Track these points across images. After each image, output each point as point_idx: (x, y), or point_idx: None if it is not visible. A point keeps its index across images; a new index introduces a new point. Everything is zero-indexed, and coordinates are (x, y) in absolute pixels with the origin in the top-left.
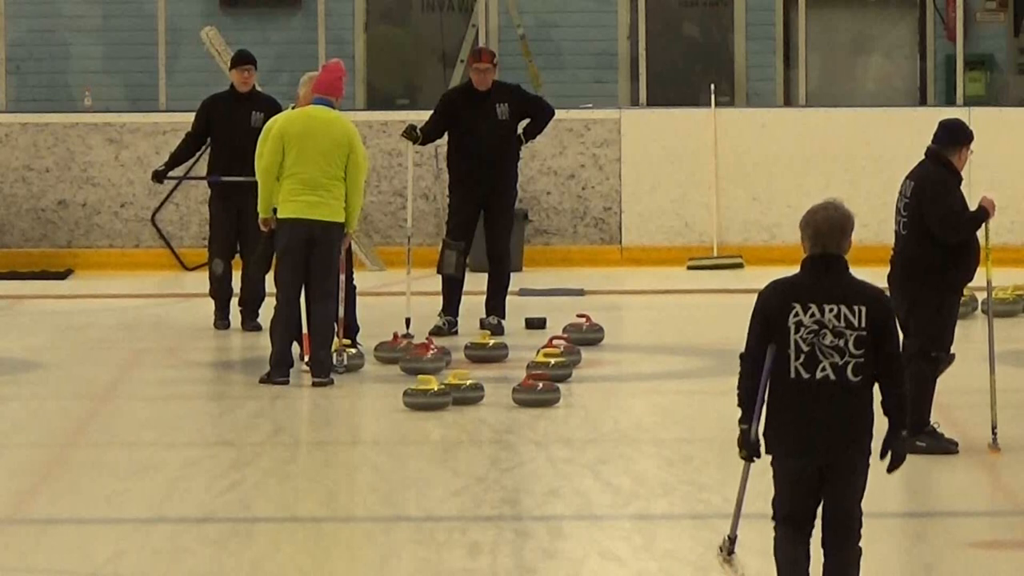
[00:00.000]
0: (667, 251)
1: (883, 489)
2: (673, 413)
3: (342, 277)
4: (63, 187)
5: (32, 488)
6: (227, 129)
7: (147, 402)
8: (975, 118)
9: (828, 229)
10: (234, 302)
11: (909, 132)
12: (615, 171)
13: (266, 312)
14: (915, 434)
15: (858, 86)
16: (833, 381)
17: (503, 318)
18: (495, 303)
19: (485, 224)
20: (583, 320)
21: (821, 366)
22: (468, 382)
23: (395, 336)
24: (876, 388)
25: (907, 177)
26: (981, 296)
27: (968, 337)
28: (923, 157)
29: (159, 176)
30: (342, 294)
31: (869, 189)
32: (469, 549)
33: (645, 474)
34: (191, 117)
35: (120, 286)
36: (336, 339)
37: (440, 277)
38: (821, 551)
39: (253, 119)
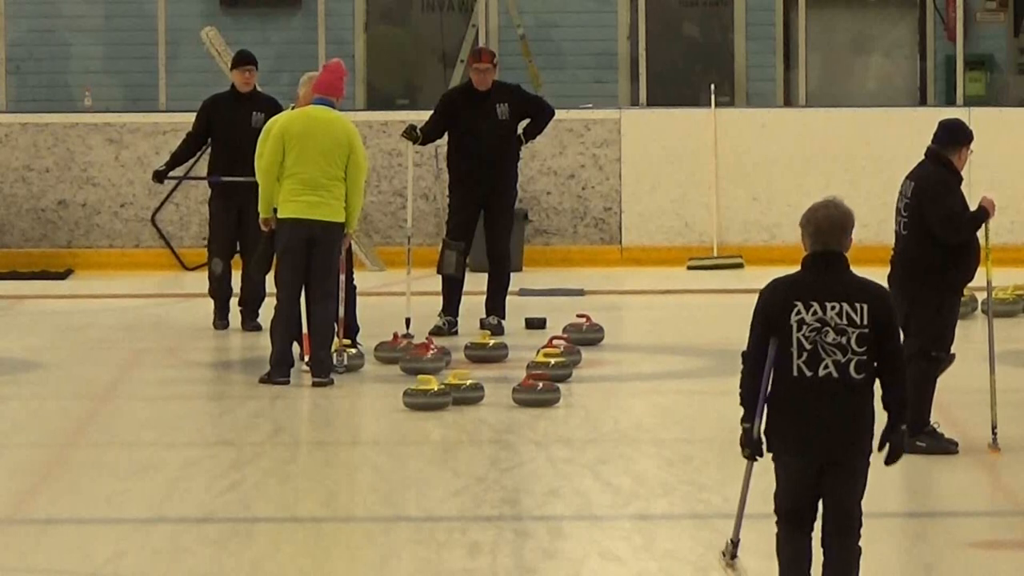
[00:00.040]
0: (667, 251)
1: (883, 489)
2: (673, 413)
3: (342, 277)
4: (63, 187)
5: (32, 488)
6: (228, 129)
7: (147, 402)
8: (975, 118)
9: (829, 227)
10: (234, 302)
11: (909, 132)
12: (615, 171)
13: (266, 312)
14: (915, 434)
15: (858, 86)
16: (836, 379)
17: (503, 318)
18: (495, 303)
19: (485, 224)
20: (583, 320)
21: (824, 364)
22: (468, 382)
23: (395, 336)
24: (876, 386)
25: (907, 177)
26: (981, 296)
27: (968, 337)
28: (923, 157)
29: (160, 176)
30: (342, 294)
31: (869, 189)
32: (469, 549)
33: (645, 474)
34: (191, 117)
35: (120, 286)
36: (336, 339)
37: (440, 277)
38: (821, 550)
39: (254, 119)
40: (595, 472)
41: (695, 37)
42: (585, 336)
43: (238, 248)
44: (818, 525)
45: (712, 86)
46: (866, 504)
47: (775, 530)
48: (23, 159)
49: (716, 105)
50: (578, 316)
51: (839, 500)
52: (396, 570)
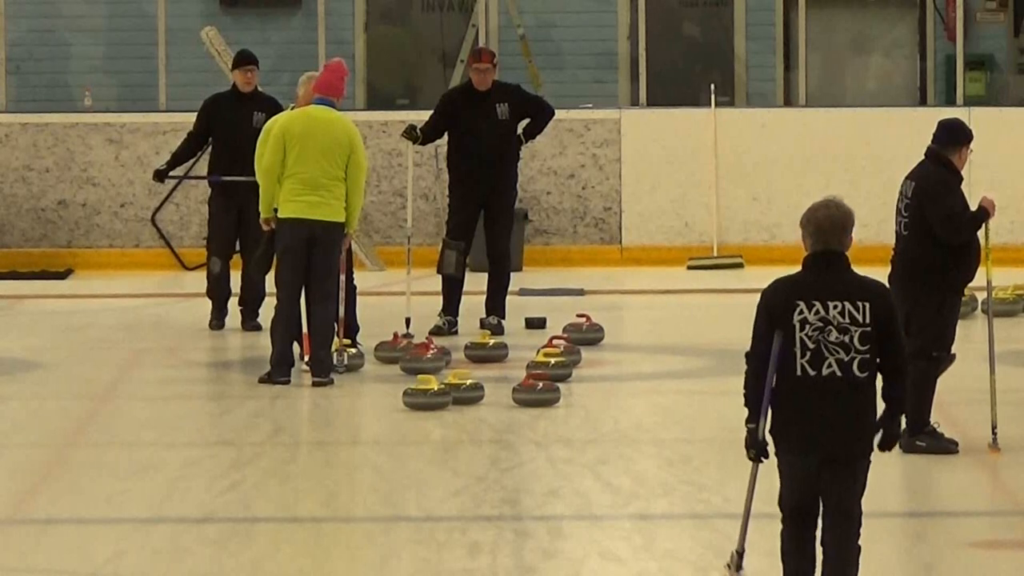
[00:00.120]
0: (667, 251)
1: (883, 489)
2: (673, 413)
3: (342, 277)
4: (63, 187)
5: (32, 488)
6: (229, 129)
7: (147, 402)
8: (975, 118)
9: (830, 226)
10: (234, 302)
11: (909, 132)
12: (615, 171)
13: (266, 312)
14: (915, 434)
15: (858, 86)
16: (839, 377)
17: (503, 318)
18: (495, 303)
19: (485, 224)
20: (583, 320)
21: (827, 363)
22: (468, 382)
23: (395, 336)
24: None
25: (907, 177)
26: (981, 296)
27: (968, 337)
28: (923, 157)
29: (160, 175)
30: (342, 294)
31: (869, 189)
32: (469, 549)
33: (645, 474)
34: (191, 117)
35: (120, 286)
36: (336, 339)
37: (440, 277)
38: (820, 548)
39: (255, 119)
40: (595, 472)
41: (695, 37)
42: (585, 336)
43: (238, 248)
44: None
45: (712, 86)
46: (866, 504)
47: (778, 529)
48: (23, 159)
49: (716, 105)
50: (578, 316)
51: (839, 499)
52: (396, 570)
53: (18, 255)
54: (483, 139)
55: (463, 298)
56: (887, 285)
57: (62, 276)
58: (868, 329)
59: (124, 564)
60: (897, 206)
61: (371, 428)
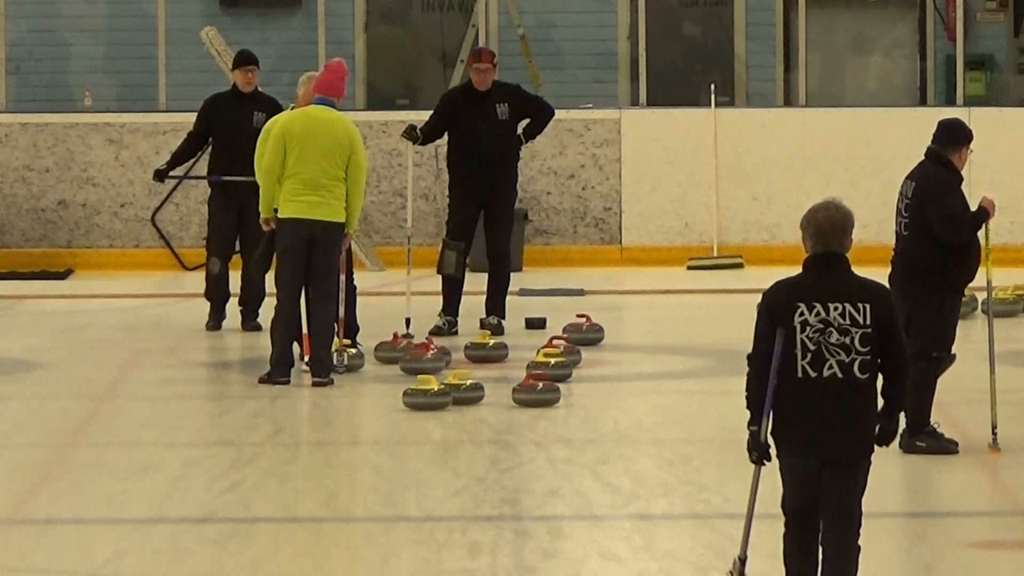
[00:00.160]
0: (667, 251)
1: (883, 489)
2: (673, 413)
3: (342, 277)
4: (63, 187)
5: (32, 488)
6: (229, 129)
7: (147, 402)
8: (975, 118)
9: (830, 228)
10: (234, 302)
11: (909, 132)
12: (615, 171)
13: (266, 312)
14: (915, 434)
15: (858, 86)
16: (840, 379)
17: (503, 318)
18: (495, 303)
19: (485, 224)
20: (583, 320)
21: (828, 364)
22: (468, 382)
23: (395, 336)
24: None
25: (907, 177)
26: (981, 296)
27: (968, 337)
28: (923, 157)
29: (160, 175)
30: (342, 294)
31: (869, 189)
32: (469, 549)
33: (645, 474)
34: (191, 117)
35: (120, 286)
36: (336, 339)
37: (440, 277)
38: (820, 548)
39: (255, 119)
40: (595, 472)
41: (695, 37)
42: (585, 336)
43: (237, 248)
44: None
45: (712, 86)
46: (866, 504)
47: (780, 531)
48: (23, 159)
49: (716, 105)
50: (578, 316)
51: (839, 500)
52: (396, 570)
53: (18, 255)
54: (483, 139)
55: (463, 298)
56: (887, 286)
57: (62, 276)
58: (869, 330)
59: (124, 564)
60: (897, 206)
61: (371, 428)
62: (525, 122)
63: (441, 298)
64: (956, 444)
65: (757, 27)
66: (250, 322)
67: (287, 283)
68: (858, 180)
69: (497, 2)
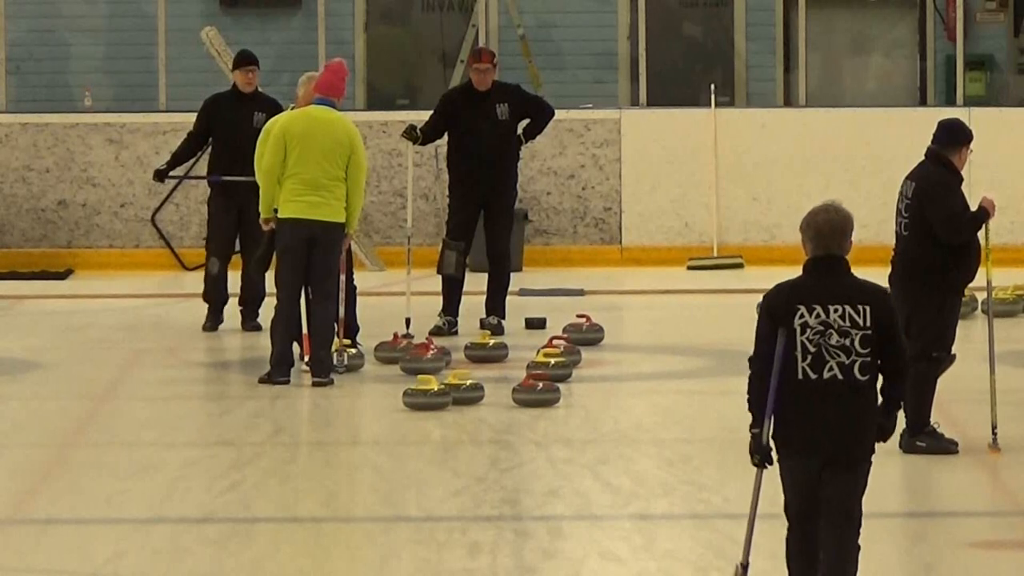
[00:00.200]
0: (667, 251)
1: (883, 489)
2: (673, 413)
3: (342, 277)
4: (63, 187)
5: (32, 488)
6: (229, 129)
7: (147, 402)
8: (975, 118)
9: (830, 231)
10: (234, 302)
11: (909, 132)
12: (615, 171)
13: (266, 312)
14: (915, 434)
15: (858, 86)
16: (841, 381)
17: (503, 318)
18: (495, 303)
19: (485, 224)
20: (583, 320)
21: (828, 366)
22: (468, 382)
23: (395, 336)
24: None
25: (907, 177)
26: (981, 296)
27: (968, 337)
28: (923, 157)
29: (161, 175)
30: (342, 294)
31: (869, 189)
32: (469, 549)
33: (645, 474)
34: (191, 117)
35: (120, 286)
36: (336, 339)
37: (440, 277)
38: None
39: (256, 119)
40: (595, 472)
41: (695, 37)
42: (585, 336)
43: (237, 248)
44: None
45: (712, 86)
46: (866, 504)
47: (781, 531)
48: (23, 159)
49: (716, 105)
50: (578, 316)
51: (839, 500)
52: (396, 570)
53: (18, 255)
54: (483, 139)
55: (463, 298)
56: (886, 288)
57: (62, 276)
58: (869, 332)
59: (124, 564)
60: (897, 206)
61: (371, 428)
62: (525, 122)
63: (441, 298)
64: (956, 444)
65: (757, 27)
66: (250, 322)
67: (287, 283)
68: (858, 180)
69: (497, 2)
